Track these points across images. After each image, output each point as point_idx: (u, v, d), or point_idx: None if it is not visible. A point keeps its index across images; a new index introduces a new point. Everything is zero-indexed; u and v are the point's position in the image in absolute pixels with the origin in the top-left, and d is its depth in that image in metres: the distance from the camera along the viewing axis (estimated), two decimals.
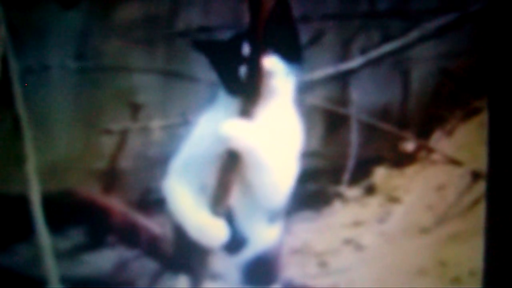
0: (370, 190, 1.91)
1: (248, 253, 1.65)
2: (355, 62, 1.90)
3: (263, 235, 1.66)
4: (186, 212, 1.65)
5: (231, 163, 1.61)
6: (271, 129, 1.62)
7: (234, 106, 1.64)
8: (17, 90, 1.77)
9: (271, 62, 1.62)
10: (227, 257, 1.64)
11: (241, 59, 1.62)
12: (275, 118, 1.64)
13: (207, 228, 1.64)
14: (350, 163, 1.89)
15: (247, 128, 1.61)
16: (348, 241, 1.89)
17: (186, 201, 1.64)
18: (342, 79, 1.90)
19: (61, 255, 1.81)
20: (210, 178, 1.63)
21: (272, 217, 1.66)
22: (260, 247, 1.66)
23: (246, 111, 1.62)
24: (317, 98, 1.89)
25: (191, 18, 1.88)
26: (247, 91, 1.62)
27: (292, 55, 1.64)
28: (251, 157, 1.60)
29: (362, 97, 1.90)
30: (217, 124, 1.62)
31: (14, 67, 1.78)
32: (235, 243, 1.64)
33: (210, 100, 1.69)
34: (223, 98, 1.67)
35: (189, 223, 1.64)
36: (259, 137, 1.61)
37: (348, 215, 1.90)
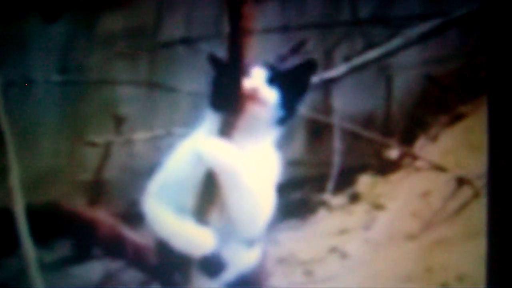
0: (355, 198, 1.91)
1: (228, 276, 1.66)
2: (338, 70, 1.90)
3: (242, 258, 1.67)
4: (171, 226, 1.65)
5: (210, 183, 1.62)
6: (249, 155, 1.63)
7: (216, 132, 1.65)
8: (0, 103, 1.77)
9: (269, 94, 1.64)
10: (207, 280, 1.65)
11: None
12: (255, 146, 1.65)
13: (194, 237, 1.64)
14: (334, 171, 1.89)
15: (225, 147, 1.62)
16: (333, 249, 1.88)
17: (168, 216, 1.64)
18: (325, 87, 1.90)
19: (47, 268, 1.81)
20: (189, 200, 1.64)
21: (251, 241, 1.67)
22: (240, 269, 1.67)
23: (225, 132, 1.63)
24: (300, 106, 1.89)
25: (174, 29, 1.89)
26: (227, 104, 1.63)
27: (291, 101, 1.66)
28: (228, 177, 1.61)
29: (345, 105, 1.90)
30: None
31: None
32: (214, 267, 1.64)
33: (194, 124, 1.70)
34: (206, 124, 1.68)
35: (175, 236, 1.64)
36: (236, 158, 1.61)
37: (333, 223, 1.90)
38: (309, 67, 1.70)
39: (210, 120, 1.66)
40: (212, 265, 1.64)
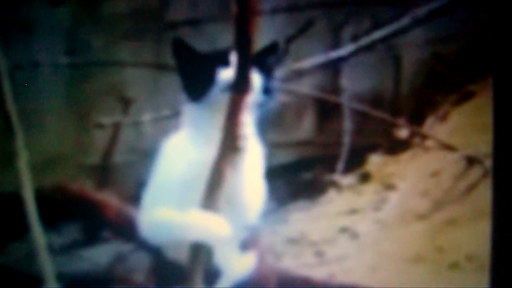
0: (365, 178, 1.90)
1: (224, 283, 1.65)
2: (346, 49, 1.89)
3: (236, 264, 1.66)
4: (181, 221, 1.63)
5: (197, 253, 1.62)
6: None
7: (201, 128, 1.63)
8: (7, 87, 1.76)
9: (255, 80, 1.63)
10: None
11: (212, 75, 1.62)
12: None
13: (210, 224, 1.62)
14: (344, 151, 1.88)
15: (211, 219, 1.61)
16: (344, 230, 1.88)
17: (175, 214, 1.62)
18: (333, 67, 1.89)
19: (56, 252, 1.81)
20: (186, 202, 1.62)
21: (244, 245, 1.65)
22: (235, 276, 1.66)
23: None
24: (308, 87, 1.88)
25: (179, 10, 1.88)
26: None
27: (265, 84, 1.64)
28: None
29: (354, 84, 1.89)
30: (185, 148, 1.62)
31: (3, 64, 1.77)
32: (208, 274, 1.63)
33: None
34: (190, 121, 1.66)
35: (188, 228, 1.62)
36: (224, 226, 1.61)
37: (343, 203, 1.89)
38: (272, 48, 1.68)
39: (190, 113, 1.64)
40: (206, 273, 1.63)
